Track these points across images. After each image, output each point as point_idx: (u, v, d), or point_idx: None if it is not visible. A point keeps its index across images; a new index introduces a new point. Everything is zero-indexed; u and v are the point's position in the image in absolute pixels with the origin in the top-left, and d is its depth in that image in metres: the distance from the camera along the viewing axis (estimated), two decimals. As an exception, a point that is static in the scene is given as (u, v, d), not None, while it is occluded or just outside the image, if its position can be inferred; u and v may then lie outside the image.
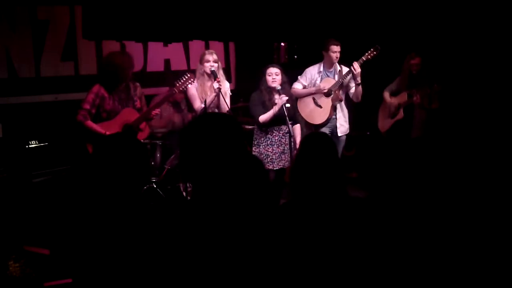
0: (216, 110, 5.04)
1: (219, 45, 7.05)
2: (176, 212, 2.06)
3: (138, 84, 5.17)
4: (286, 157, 5.06)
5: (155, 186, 5.54)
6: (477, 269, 2.29)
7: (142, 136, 5.08)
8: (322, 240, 2.28)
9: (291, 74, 5.62)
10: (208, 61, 5.02)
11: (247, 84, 5.66)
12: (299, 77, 5.60)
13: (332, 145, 2.56)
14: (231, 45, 7.36)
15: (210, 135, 1.98)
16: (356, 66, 5.22)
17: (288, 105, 4.93)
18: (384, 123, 6.23)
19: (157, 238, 2.03)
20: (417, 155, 2.49)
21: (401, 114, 5.97)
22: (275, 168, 5.04)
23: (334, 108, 5.45)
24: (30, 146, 5.33)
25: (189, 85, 5.05)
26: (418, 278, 2.26)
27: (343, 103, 5.47)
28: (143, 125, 5.05)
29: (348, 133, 5.62)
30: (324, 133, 3.09)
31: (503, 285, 2.29)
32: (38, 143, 5.38)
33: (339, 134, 5.46)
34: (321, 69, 5.50)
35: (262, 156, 5.04)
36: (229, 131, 2.02)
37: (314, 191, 2.40)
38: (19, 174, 5.18)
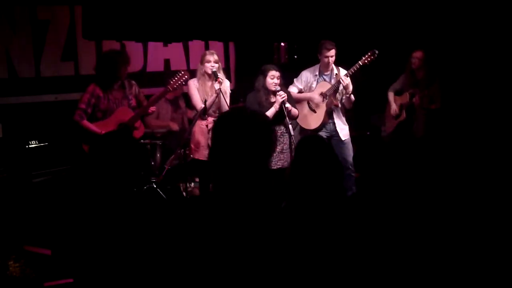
0: (217, 111, 5.05)
1: (219, 45, 7.05)
2: (181, 210, 2.05)
3: (134, 82, 5.20)
4: (285, 156, 5.04)
5: (155, 186, 5.54)
6: (477, 269, 2.29)
7: (137, 135, 5.09)
8: (321, 242, 2.28)
9: (291, 74, 5.59)
10: (209, 61, 5.02)
11: (247, 84, 5.65)
12: (294, 80, 5.49)
13: (327, 147, 2.56)
14: (231, 45, 7.36)
15: (242, 132, 1.91)
16: (344, 79, 5.15)
17: (288, 104, 4.91)
18: (390, 124, 6.18)
19: (158, 238, 2.03)
20: (417, 156, 2.49)
21: (403, 114, 5.94)
22: (272, 168, 5.02)
23: (329, 113, 5.39)
24: (30, 146, 5.33)
25: (183, 83, 5.09)
26: (418, 278, 2.26)
27: (340, 107, 5.40)
28: (138, 123, 5.08)
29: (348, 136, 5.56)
30: (319, 136, 3.10)
31: (503, 285, 2.29)
32: (38, 143, 5.38)
33: (343, 138, 5.37)
34: (317, 72, 5.41)
35: None
36: (261, 131, 1.95)
37: (311, 194, 2.40)
38: (19, 174, 5.18)
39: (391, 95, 6.07)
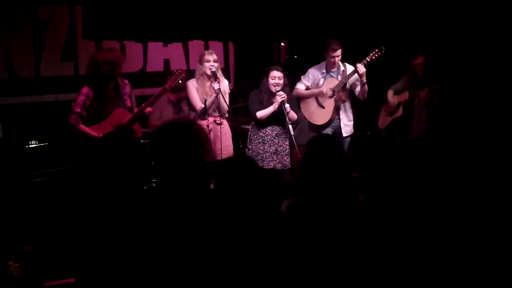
0: (217, 111, 5.06)
1: (219, 45, 7.05)
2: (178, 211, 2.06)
3: (126, 81, 5.09)
4: (279, 158, 5.07)
5: (155, 186, 5.53)
6: (476, 269, 2.29)
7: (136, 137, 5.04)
8: (328, 241, 2.28)
9: (291, 74, 5.60)
10: (208, 61, 5.03)
11: (247, 84, 5.65)
12: (302, 77, 5.57)
13: (339, 147, 2.56)
14: (231, 45, 7.37)
15: (168, 145, 2.24)
16: (360, 67, 5.17)
17: (287, 105, 4.92)
18: (383, 120, 6.22)
19: (157, 237, 2.03)
20: (416, 156, 2.49)
21: (400, 111, 5.97)
22: (265, 167, 5.03)
23: (337, 109, 5.41)
24: (30, 146, 5.32)
25: (180, 81, 5.05)
26: (419, 278, 2.26)
27: (347, 103, 5.43)
28: (136, 126, 5.01)
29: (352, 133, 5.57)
30: (331, 135, 3.10)
31: (503, 285, 2.29)
32: (38, 143, 5.38)
33: (344, 135, 5.41)
34: (324, 69, 5.47)
35: (254, 153, 5.08)
36: (183, 140, 2.26)
37: (321, 193, 2.40)
38: (19, 174, 5.17)
39: (390, 94, 6.10)
